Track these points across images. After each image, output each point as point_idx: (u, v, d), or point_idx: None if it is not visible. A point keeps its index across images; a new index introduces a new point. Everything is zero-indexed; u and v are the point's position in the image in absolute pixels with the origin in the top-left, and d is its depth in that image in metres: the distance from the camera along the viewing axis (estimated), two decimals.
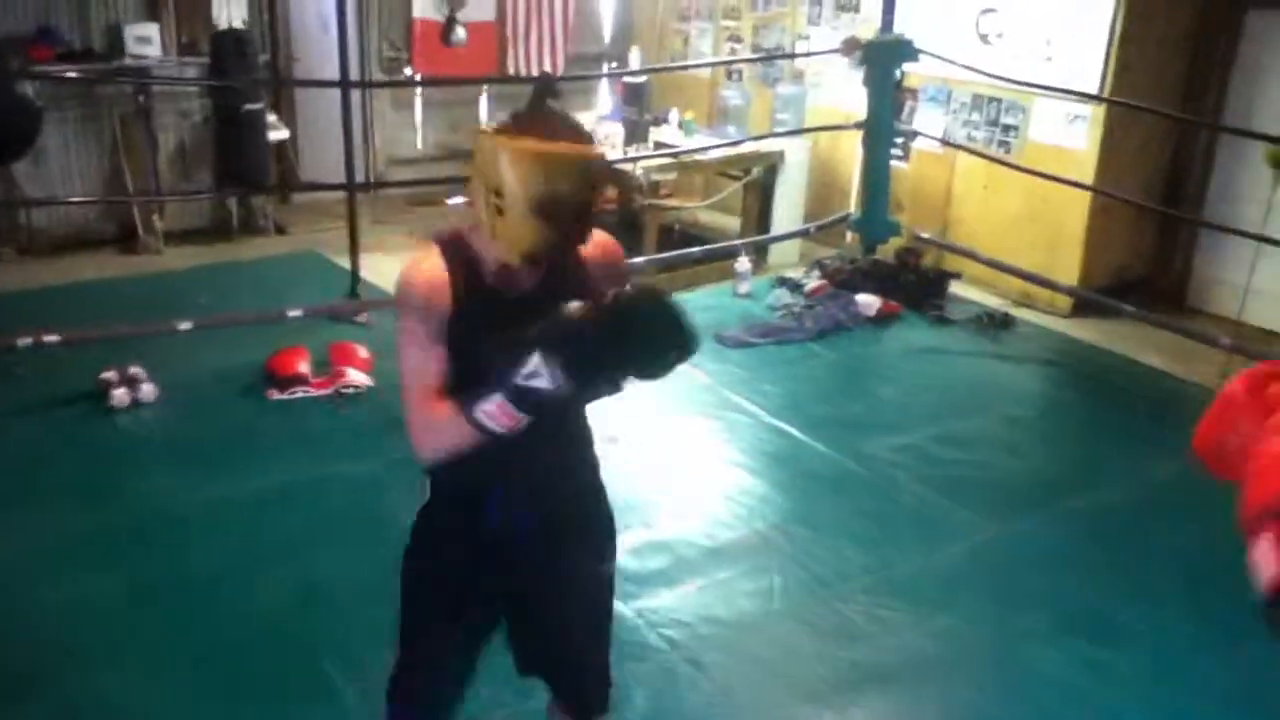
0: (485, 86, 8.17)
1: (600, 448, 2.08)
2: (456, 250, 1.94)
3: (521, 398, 1.78)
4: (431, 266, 1.91)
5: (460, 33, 7.49)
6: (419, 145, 8.23)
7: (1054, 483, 4.36)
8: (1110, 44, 5.97)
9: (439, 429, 1.88)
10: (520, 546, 2.09)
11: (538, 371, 1.76)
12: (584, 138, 1.93)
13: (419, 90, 8.07)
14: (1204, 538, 3.93)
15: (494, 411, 1.79)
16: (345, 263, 5.98)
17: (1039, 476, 4.40)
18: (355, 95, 6.72)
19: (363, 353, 5.05)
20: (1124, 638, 3.38)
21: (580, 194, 1.86)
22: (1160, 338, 5.76)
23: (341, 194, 6.08)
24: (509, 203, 1.84)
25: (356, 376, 4.87)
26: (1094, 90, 6.00)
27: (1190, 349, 5.57)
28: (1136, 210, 6.23)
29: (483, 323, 1.88)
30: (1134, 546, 3.91)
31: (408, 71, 7.92)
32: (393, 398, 4.65)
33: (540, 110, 1.98)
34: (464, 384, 1.87)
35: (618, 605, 3.42)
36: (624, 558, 3.67)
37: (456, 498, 2.06)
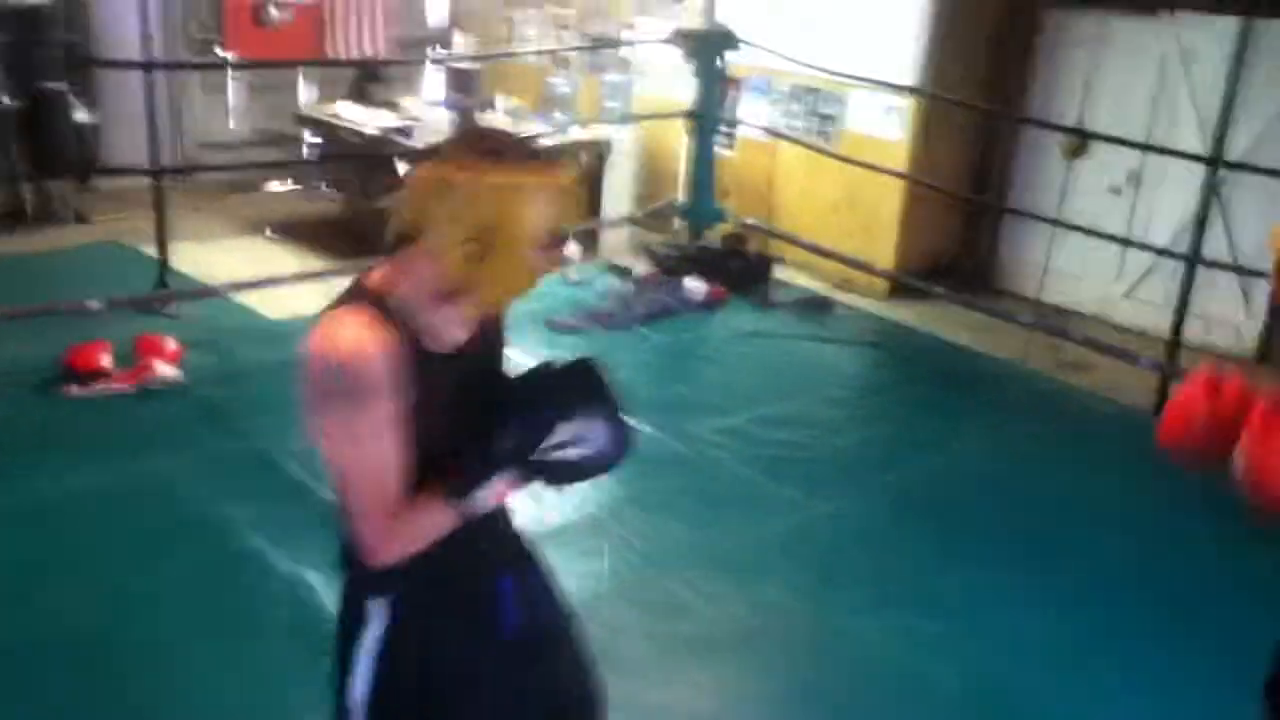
0: (303, 70, 7.91)
1: None
2: (394, 311, 1.58)
3: (555, 471, 1.60)
4: (379, 334, 1.54)
5: (275, 13, 7.21)
6: (232, 129, 7.89)
7: (872, 459, 4.51)
8: (922, 39, 6.23)
9: (410, 533, 1.60)
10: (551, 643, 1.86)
11: (581, 437, 1.61)
12: (555, 158, 1.71)
13: (230, 72, 7.73)
14: (1010, 505, 4.18)
15: (501, 491, 1.60)
16: (153, 252, 5.67)
17: (858, 453, 4.55)
18: (160, 77, 6.38)
19: (171, 345, 4.80)
20: (937, 604, 3.53)
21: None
22: (969, 317, 6.06)
23: (150, 180, 5.76)
24: (504, 243, 1.56)
25: (164, 370, 4.63)
26: (909, 83, 6.24)
27: (997, 326, 5.87)
28: (947, 197, 6.52)
29: (437, 393, 1.61)
30: (947, 516, 4.09)
31: (219, 53, 7.58)
32: (206, 390, 4.43)
33: (490, 132, 1.79)
34: (421, 466, 1.61)
35: None
36: None
37: (447, 604, 1.73)
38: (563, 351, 5.22)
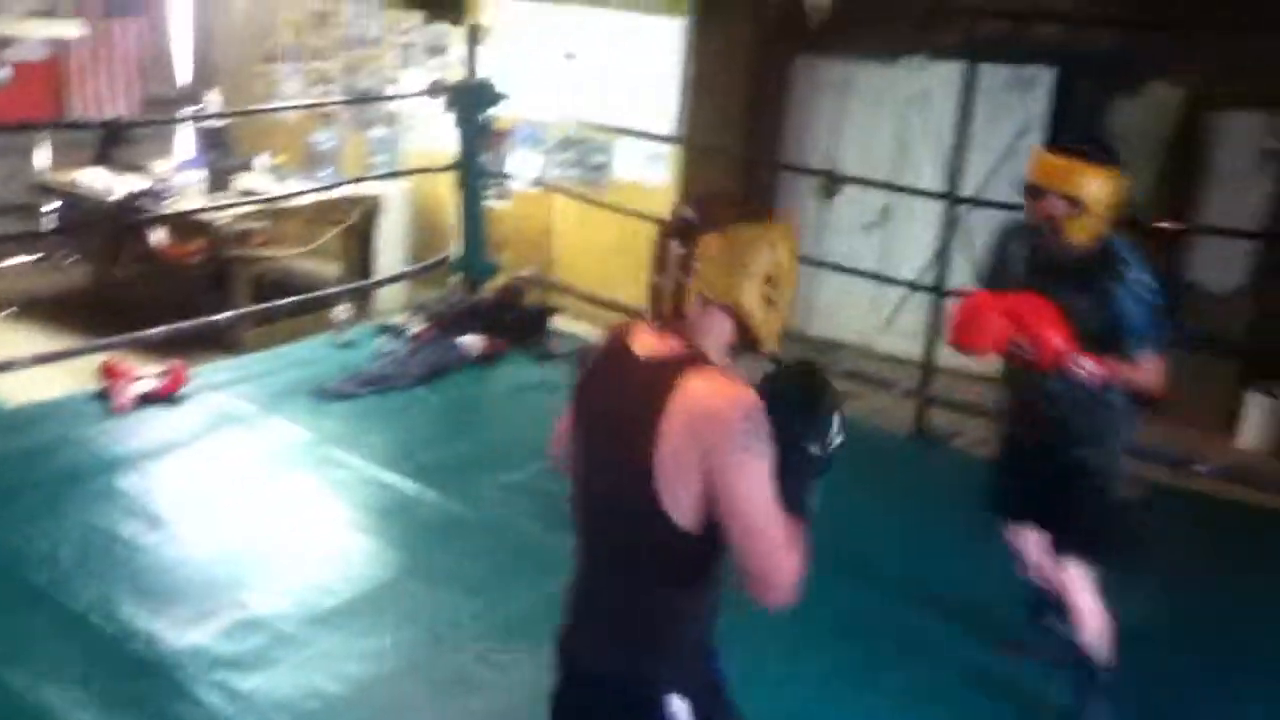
0: (44, 133, 7.38)
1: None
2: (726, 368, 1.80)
3: (822, 465, 1.81)
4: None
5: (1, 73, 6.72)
6: None
7: None
8: (680, 88, 6.41)
9: (799, 562, 1.76)
10: None
11: (838, 429, 1.82)
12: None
13: None
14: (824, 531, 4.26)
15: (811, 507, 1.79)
16: None
17: None
18: None
19: None
20: (724, 650, 3.55)
21: None
22: None
23: None
24: (782, 290, 1.81)
25: None
26: (669, 131, 6.40)
27: (767, 364, 6.04)
28: None
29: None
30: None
31: None
32: None
33: (728, 194, 2.09)
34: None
35: (208, 697, 3.17)
36: (213, 641, 3.42)
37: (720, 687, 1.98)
38: (334, 421, 5.07)
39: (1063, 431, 3.07)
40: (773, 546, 1.71)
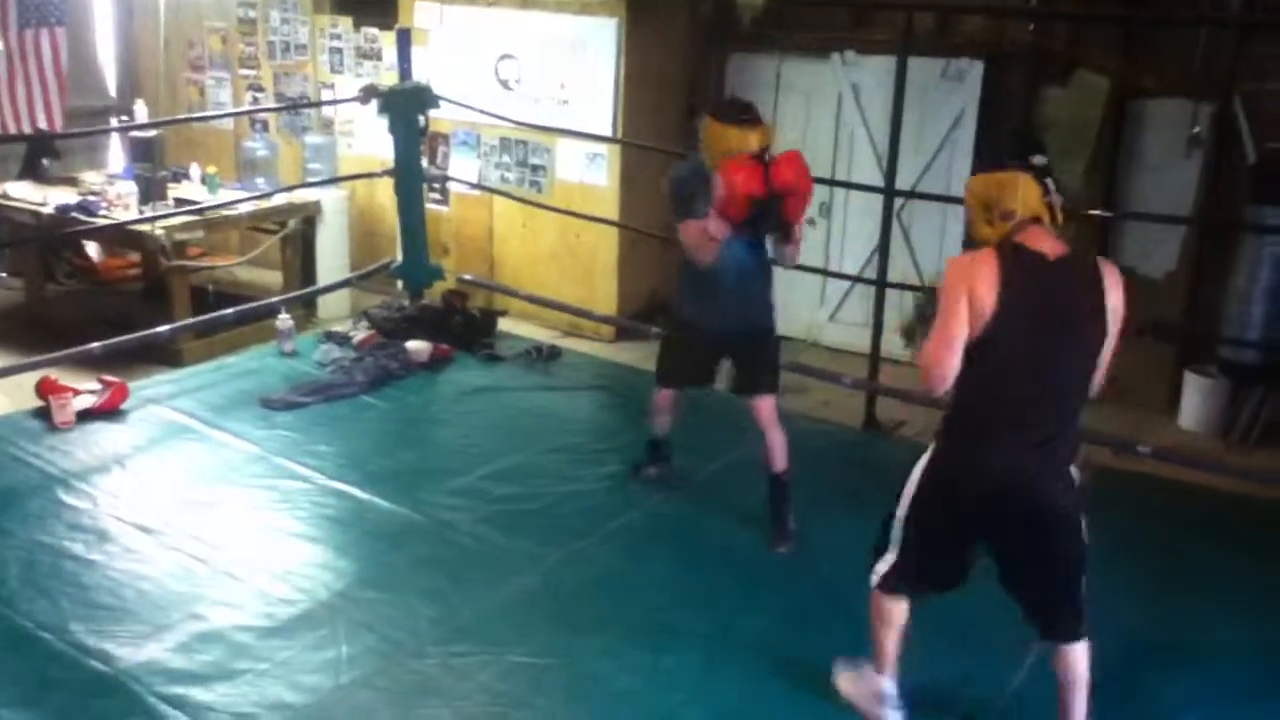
0: None
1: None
2: None
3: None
4: None
5: None
6: None
7: (605, 501, 4.55)
8: (616, 87, 6.42)
9: None
10: None
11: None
12: None
13: None
14: (745, 534, 4.31)
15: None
16: None
17: (591, 498, 4.57)
18: None
19: None
20: (680, 640, 3.59)
21: None
22: None
23: None
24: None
25: None
26: (607, 130, 6.42)
27: None
28: (659, 239, 6.73)
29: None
30: (686, 552, 4.17)
31: None
32: None
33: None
34: None
35: (168, 712, 3.12)
36: (169, 656, 3.38)
37: None
38: (280, 431, 5.02)
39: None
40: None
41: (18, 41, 7.27)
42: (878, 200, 5.59)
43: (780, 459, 4.21)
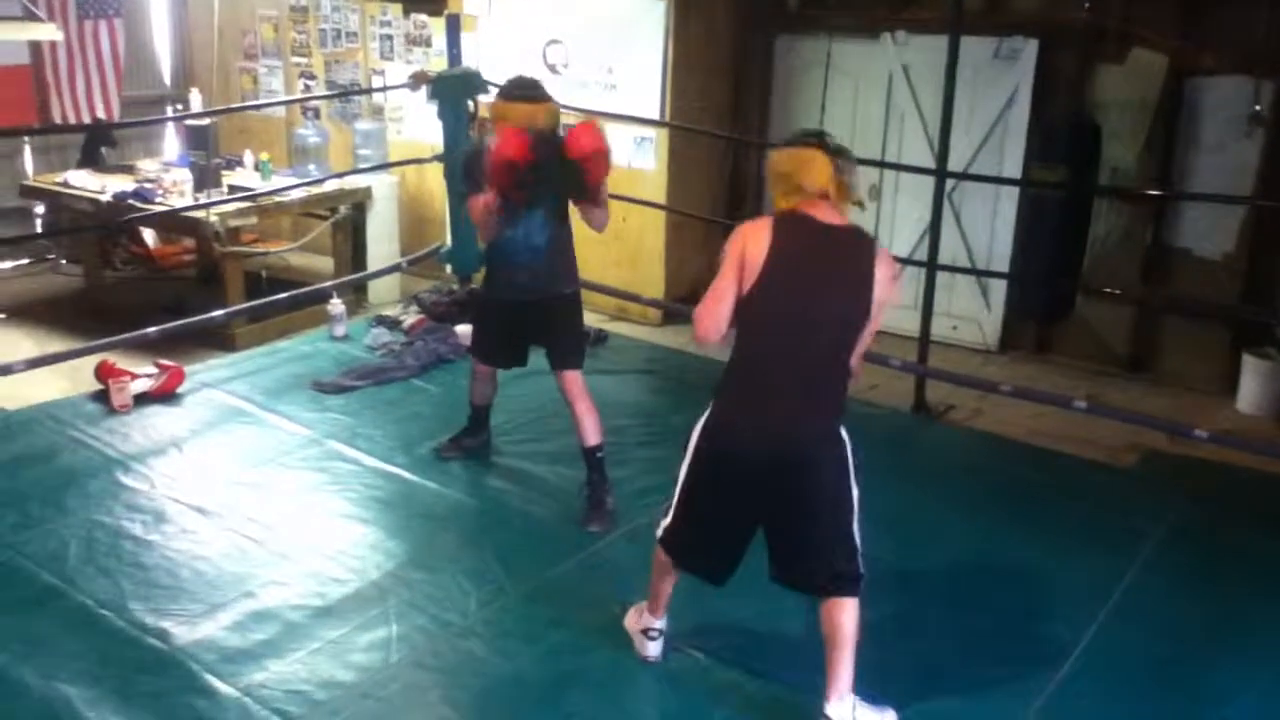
0: (26, 138, 7.36)
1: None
2: None
3: None
4: None
5: None
6: None
7: (655, 484, 4.52)
8: (664, 71, 6.40)
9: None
10: None
11: None
12: None
13: None
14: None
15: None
16: None
17: (639, 481, 4.57)
18: None
19: None
20: (727, 625, 3.57)
21: None
22: None
23: None
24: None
25: None
26: (655, 114, 6.40)
27: None
28: (706, 222, 6.72)
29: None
30: None
31: None
32: None
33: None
34: None
35: (222, 689, 3.18)
36: (224, 634, 3.44)
37: None
38: (332, 414, 5.08)
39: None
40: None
41: (77, 32, 7.41)
42: (928, 183, 5.52)
43: (592, 433, 4.27)
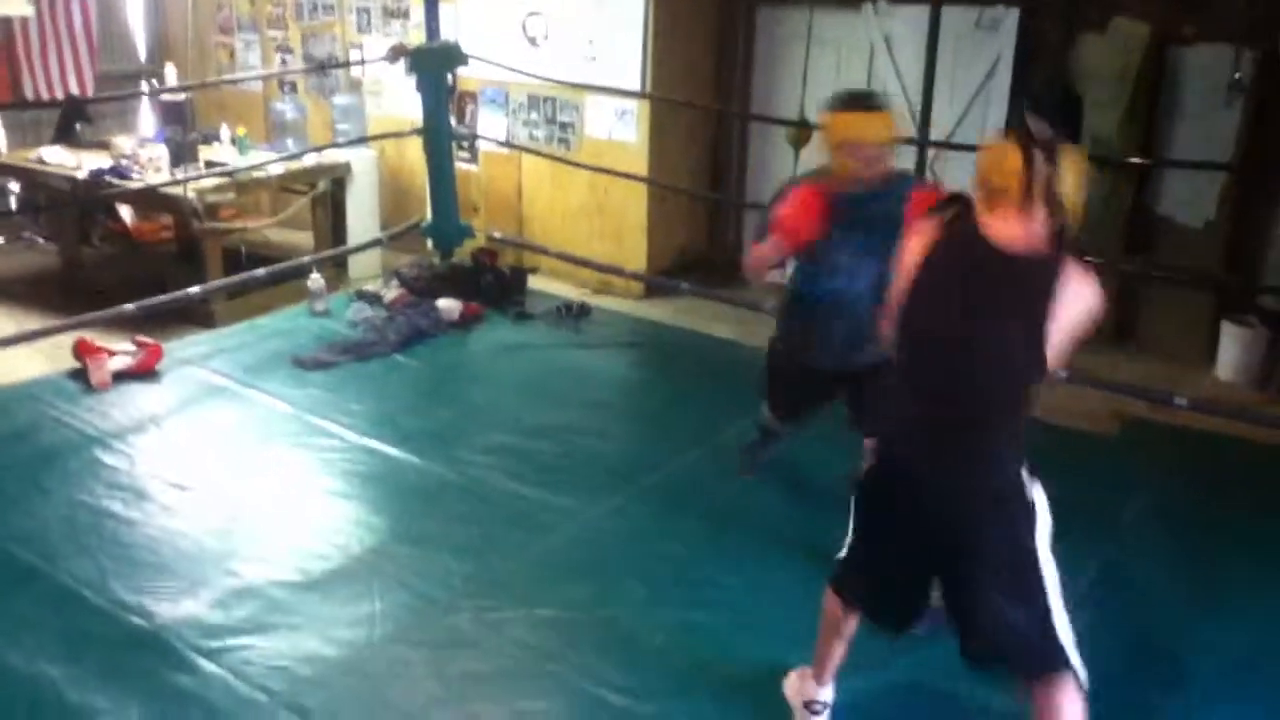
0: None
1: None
2: None
3: None
4: None
5: None
6: None
7: (638, 458, 4.55)
8: (645, 42, 6.35)
9: None
10: None
11: None
12: None
13: None
14: (774, 492, 4.30)
15: None
16: None
17: (625, 455, 4.57)
18: None
19: None
20: (711, 597, 3.59)
21: None
22: (719, 309, 6.23)
23: None
24: None
25: None
26: (636, 86, 6.36)
27: (746, 316, 6.05)
28: (689, 195, 6.69)
29: None
30: (718, 509, 4.16)
31: None
32: None
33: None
34: None
35: (205, 666, 3.17)
36: (206, 611, 3.43)
37: None
38: (313, 390, 5.06)
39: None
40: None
41: (49, 8, 7.30)
42: (910, 152, 5.49)
43: None
